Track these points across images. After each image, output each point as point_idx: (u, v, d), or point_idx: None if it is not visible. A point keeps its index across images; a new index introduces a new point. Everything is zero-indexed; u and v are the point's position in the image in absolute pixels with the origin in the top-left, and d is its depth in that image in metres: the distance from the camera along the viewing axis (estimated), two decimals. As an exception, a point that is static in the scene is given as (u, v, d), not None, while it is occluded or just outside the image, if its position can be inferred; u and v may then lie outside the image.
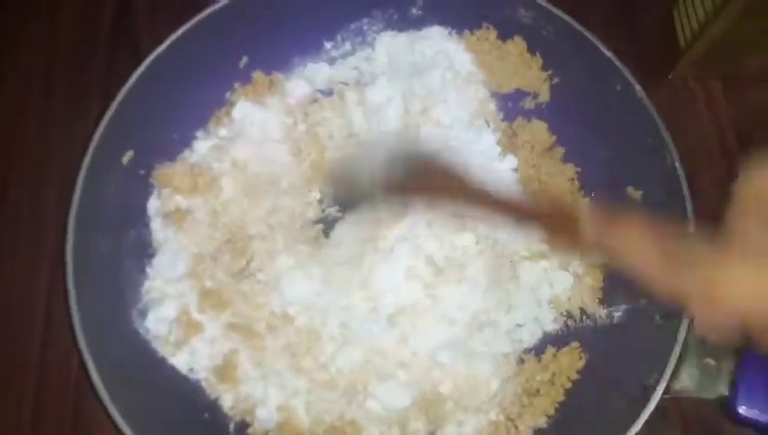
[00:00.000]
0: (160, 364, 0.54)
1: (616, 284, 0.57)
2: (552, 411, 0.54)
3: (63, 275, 0.49)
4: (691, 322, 0.47)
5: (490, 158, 0.62)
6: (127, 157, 0.56)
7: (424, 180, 0.43)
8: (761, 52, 0.65)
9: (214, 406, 0.54)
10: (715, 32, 0.63)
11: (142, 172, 0.58)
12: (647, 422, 0.46)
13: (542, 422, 0.54)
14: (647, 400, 0.46)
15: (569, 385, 0.55)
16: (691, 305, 0.26)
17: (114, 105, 0.54)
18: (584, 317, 0.57)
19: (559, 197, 0.36)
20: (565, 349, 0.56)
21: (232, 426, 0.54)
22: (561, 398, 0.54)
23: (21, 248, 0.60)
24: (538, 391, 0.55)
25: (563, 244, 0.34)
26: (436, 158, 0.44)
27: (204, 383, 0.54)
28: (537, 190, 0.38)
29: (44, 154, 0.63)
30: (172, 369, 0.54)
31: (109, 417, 0.46)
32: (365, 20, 0.65)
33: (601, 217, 0.30)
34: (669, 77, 0.69)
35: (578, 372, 0.55)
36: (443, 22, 0.64)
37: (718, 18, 0.62)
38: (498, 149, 0.62)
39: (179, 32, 0.57)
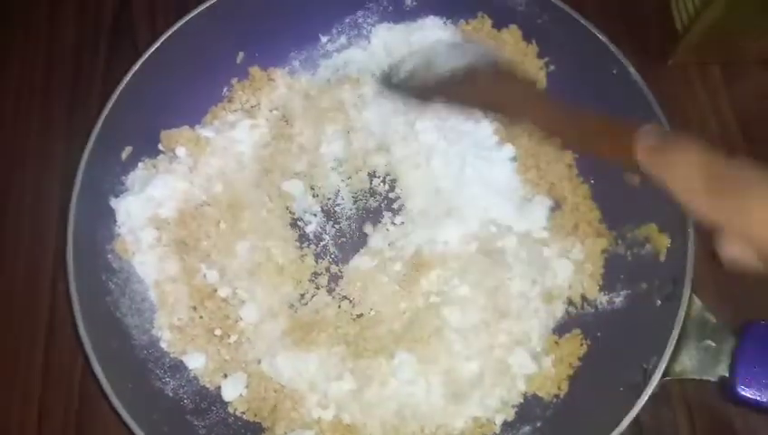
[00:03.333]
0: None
1: (616, 270, 0.56)
2: (554, 398, 0.54)
3: (65, 270, 0.49)
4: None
5: (488, 147, 0.62)
6: (126, 152, 0.57)
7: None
8: (758, 35, 0.64)
9: (216, 399, 0.54)
10: (711, 16, 0.63)
11: (140, 166, 0.58)
12: (649, 404, 0.46)
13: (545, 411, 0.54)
14: (647, 382, 0.46)
15: (571, 372, 0.54)
16: (723, 235, 0.25)
17: (111, 101, 0.55)
18: (585, 304, 0.57)
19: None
20: (567, 336, 0.56)
21: (231, 417, 0.54)
22: (564, 384, 0.54)
23: (23, 247, 0.61)
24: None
25: (616, 157, 0.33)
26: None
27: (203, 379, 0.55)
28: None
29: (45, 149, 0.64)
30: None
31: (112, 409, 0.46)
32: (360, 13, 0.65)
33: (655, 140, 0.30)
34: (669, 63, 0.68)
35: (579, 359, 0.55)
36: (438, 12, 0.64)
37: (714, 2, 0.62)
38: (496, 138, 0.62)
39: (175, 27, 0.57)
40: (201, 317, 0.56)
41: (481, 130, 0.62)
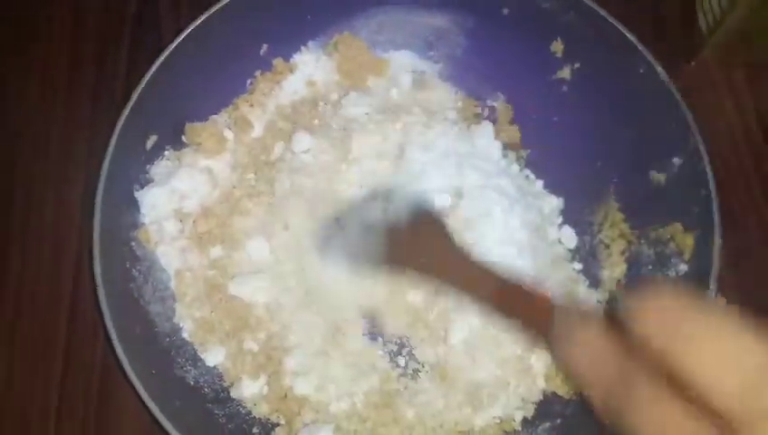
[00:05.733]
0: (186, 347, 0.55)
1: (639, 269, 0.56)
2: (574, 395, 0.54)
3: (90, 256, 0.50)
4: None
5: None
6: (151, 141, 0.57)
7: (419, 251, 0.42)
8: (784, 37, 0.64)
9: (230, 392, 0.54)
10: (736, 17, 0.63)
11: (166, 155, 0.58)
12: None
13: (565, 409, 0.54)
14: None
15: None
16: None
17: (137, 91, 0.55)
18: (606, 304, 0.57)
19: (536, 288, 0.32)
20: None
21: (249, 408, 0.54)
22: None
23: (47, 233, 0.61)
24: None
25: (531, 333, 0.30)
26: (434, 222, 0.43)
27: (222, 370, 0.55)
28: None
29: (69, 140, 0.64)
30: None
31: (135, 393, 0.46)
32: (381, 8, 0.65)
33: (569, 317, 0.26)
34: (692, 64, 0.68)
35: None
36: (459, 6, 0.63)
37: (739, 4, 0.62)
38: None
39: (200, 20, 0.57)
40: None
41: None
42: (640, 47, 0.55)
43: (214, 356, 0.54)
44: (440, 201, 0.57)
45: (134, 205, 0.56)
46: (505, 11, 0.62)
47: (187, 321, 0.55)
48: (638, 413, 0.22)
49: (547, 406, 0.54)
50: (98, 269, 0.49)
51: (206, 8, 0.58)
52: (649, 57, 0.55)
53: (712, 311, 0.21)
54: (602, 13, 0.57)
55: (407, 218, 0.44)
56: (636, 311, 0.22)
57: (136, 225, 0.56)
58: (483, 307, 0.35)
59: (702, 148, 0.52)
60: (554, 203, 0.61)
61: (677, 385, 0.21)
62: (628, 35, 0.56)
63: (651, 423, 0.21)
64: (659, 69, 0.54)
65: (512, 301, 0.32)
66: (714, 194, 0.51)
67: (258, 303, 0.56)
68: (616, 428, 0.22)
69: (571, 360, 0.25)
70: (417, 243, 0.42)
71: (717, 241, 0.50)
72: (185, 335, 0.55)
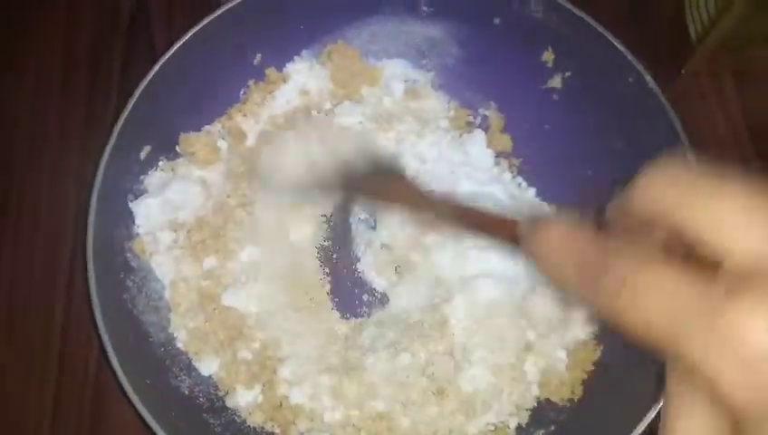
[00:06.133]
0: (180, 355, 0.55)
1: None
2: (568, 402, 0.54)
3: (84, 267, 0.50)
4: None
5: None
6: (144, 152, 0.57)
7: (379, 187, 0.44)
8: (773, 45, 0.65)
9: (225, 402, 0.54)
10: (726, 26, 0.64)
11: (160, 166, 0.59)
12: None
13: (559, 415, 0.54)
14: (663, 389, 0.46)
15: (585, 377, 0.55)
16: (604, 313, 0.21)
17: (131, 102, 0.55)
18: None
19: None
20: (580, 341, 0.56)
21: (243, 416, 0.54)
22: (578, 389, 0.54)
23: (40, 241, 0.61)
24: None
25: (499, 240, 0.31)
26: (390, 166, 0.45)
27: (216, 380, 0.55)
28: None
29: (62, 151, 0.64)
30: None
31: (129, 403, 0.46)
32: (374, 18, 0.65)
33: (531, 225, 0.26)
34: (681, 72, 0.69)
35: (593, 364, 0.55)
36: (453, 17, 0.64)
37: (729, 12, 0.62)
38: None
39: (193, 30, 0.58)
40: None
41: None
42: (630, 56, 0.56)
43: (208, 366, 0.54)
44: None
45: (128, 215, 0.56)
46: (497, 21, 0.62)
47: (182, 331, 0.55)
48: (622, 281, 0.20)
49: (541, 413, 0.54)
50: (92, 280, 0.49)
51: (200, 18, 0.58)
52: (639, 66, 0.55)
53: (718, 173, 0.20)
54: (592, 22, 0.57)
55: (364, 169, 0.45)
56: (643, 181, 0.21)
57: (130, 235, 0.56)
58: (454, 228, 0.36)
59: (691, 156, 0.53)
60: (546, 211, 0.62)
61: (674, 252, 0.20)
62: (617, 45, 0.56)
63: (644, 287, 0.19)
64: (648, 78, 0.55)
65: (480, 221, 0.34)
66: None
67: (252, 312, 0.56)
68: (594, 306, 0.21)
69: (542, 254, 0.24)
70: (376, 181, 0.44)
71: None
72: (179, 345, 0.55)
